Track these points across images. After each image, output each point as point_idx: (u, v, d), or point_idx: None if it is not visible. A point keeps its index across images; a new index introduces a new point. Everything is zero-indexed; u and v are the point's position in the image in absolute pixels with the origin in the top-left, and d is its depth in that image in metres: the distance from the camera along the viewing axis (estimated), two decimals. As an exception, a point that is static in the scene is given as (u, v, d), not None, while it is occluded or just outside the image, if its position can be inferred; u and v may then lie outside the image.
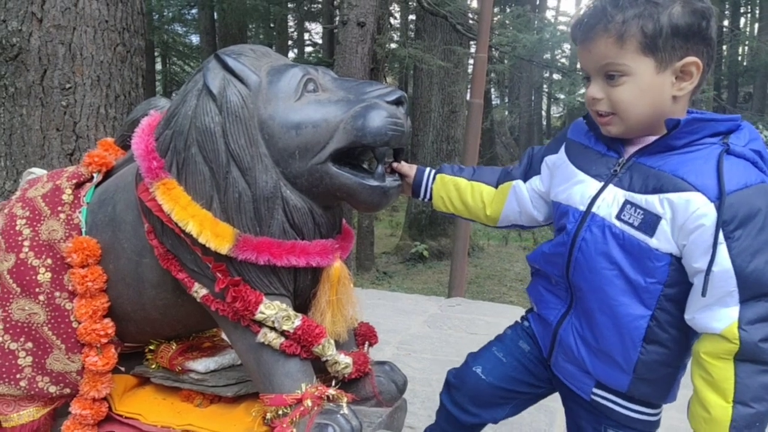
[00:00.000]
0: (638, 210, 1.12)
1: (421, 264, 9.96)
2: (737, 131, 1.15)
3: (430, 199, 1.55)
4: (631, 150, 1.20)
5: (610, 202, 1.16)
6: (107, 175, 1.61)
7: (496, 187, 1.48)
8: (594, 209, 1.18)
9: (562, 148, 1.34)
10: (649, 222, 1.10)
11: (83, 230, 1.50)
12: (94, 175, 1.59)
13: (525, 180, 1.44)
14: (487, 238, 11.62)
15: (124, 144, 1.60)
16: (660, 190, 1.10)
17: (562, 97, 12.87)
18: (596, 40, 1.12)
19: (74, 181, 1.57)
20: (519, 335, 1.53)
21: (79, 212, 1.52)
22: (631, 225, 1.13)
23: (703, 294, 1.05)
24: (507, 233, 11.65)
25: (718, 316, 1.06)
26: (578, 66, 1.25)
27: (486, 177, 1.50)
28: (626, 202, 1.14)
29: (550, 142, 1.41)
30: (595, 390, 1.27)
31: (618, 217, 1.14)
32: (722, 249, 1.04)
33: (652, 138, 1.17)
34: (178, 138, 1.35)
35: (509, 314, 3.55)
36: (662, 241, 1.10)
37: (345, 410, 1.32)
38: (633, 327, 1.15)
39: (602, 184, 1.18)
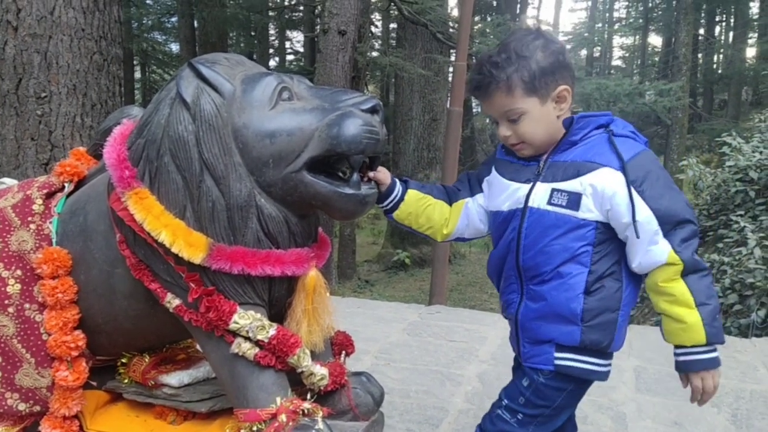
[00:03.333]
0: (563, 193, 1.41)
1: (402, 272, 9.96)
2: (613, 122, 1.46)
3: (392, 210, 1.61)
4: (545, 154, 1.48)
5: (541, 194, 1.43)
6: (79, 184, 1.59)
7: (450, 205, 1.63)
8: (530, 204, 1.44)
9: (493, 168, 1.58)
10: (574, 200, 1.39)
11: (54, 241, 1.48)
12: (66, 184, 1.57)
13: (471, 197, 1.63)
14: (469, 246, 11.66)
15: (97, 153, 1.58)
16: (578, 175, 1.40)
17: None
18: (492, 96, 1.44)
19: (45, 191, 1.54)
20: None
21: (50, 222, 1.49)
22: (560, 206, 1.41)
23: (638, 236, 1.35)
24: (488, 240, 11.71)
25: (656, 251, 1.35)
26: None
27: (441, 196, 1.64)
28: (553, 190, 1.42)
29: (482, 166, 1.65)
30: (556, 355, 1.44)
31: (549, 203, 1.42)
32: (638, 201, 1.35)
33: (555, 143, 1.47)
34: (150, 147, 1.33)
35: (489, 321, 3.55)
36: (586, 212, 1.39)
37: (320, 425, 1.31)
38: (574, 282, 1.40)
39: (531, 184, 1.46)
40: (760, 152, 5.72)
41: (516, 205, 1.47)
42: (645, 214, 1.34)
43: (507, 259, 1.51)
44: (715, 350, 1.38)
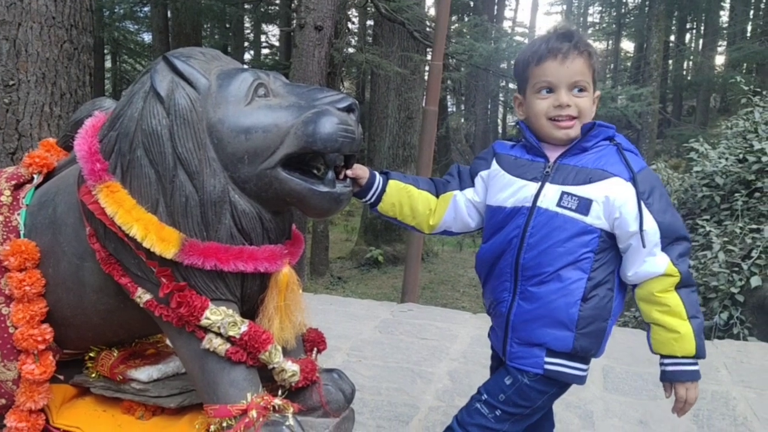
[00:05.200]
0: (573, 197, 1.43)
1: (375, 269, 9.97)
2: (616, 136, 1.52)
3: (375, 203, 1.59)
4: (555, 155, 1.50)
5: (551, 195, 1.45)
6: (48, 176, 1.56)
7: (437, 197, 1.62)
8: (539, 203, 1.45)
9: (494, 162, 1.58)
10: (584, 205, 1.42)
11: (22, 233, 1.45)
12: (35, 176, 1.54)
13: (461, 191, 1.62)
14: (442, 244, 11.72)
15: (67, 145, 1.55)
16: (590, 181, 1.43)
17: (516, 106, 13.09)
18: (575, 59, 1.45)
19: (13, 183, 1.51)
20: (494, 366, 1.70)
21: (18, 214, 1.47)
22: (569, 209, 1.43)
23: (644, 245, 1.39)
24: (462, 239, 11.78)
25: (654, 262, 1.41)
26: (540, 78, 1.49)
27: (427, 187, 1.63)
28: (563, 192, 1.44)
29: (476, 160, 1.64)
30: (547, 359, 1.46)
31: (558, 205, 1.44)
32: (646, 212, 1.40)
33: (564, 147, 1.50)
34: (123, 140, 1.32)
35: (460, 320, 3.58)
36: (594, 218, 1.42)
37: (290, 421, 1.31)
38: (574, 288, 1.43)
39: (540, 184, 1.47)
40: (726, 158, 5.87)
41: (522, 203, 1.48)
42: (651, 225, 1.40)
43: (504, 256, 1.51)
44: (698, 363, 1.44)
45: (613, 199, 1.41)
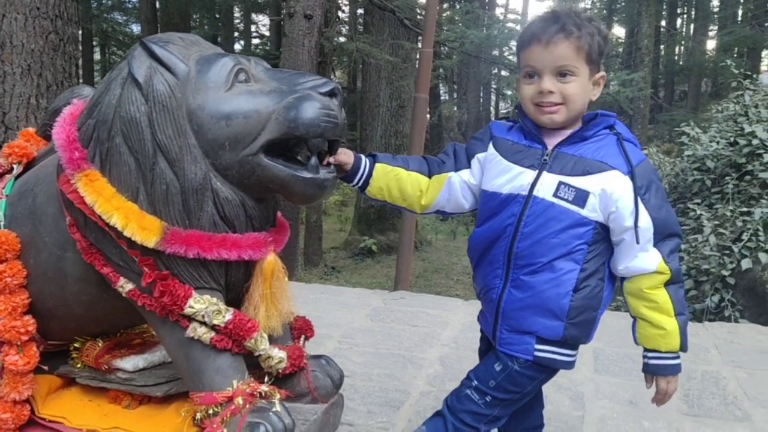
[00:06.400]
0: (570, 188, 1.40)
1: (369, 258, 9.97)
2: (616, 124, 1.48)
3: (363, 187, 1.57)
4: (553, 142, 1.46)
5: (548, 185, 1.42)
6: (28, 166, 1.54)
7: (429, 177, 1.59)
8: (535, 192, 1.42)
9: (491, 146, 1.54)
10: (581, 196, 1.39)
11: (2, 224, 1.44)
12: (14, 166, 1.53)
13: (456, 171, 1.58)
14: (435, 233, 11.73)
15: (46, 134, 1.53)
16: (588, 172, 1.40)
17: (509, 93, 13.08)
18: (558, 44, 1.40)
19: (-8, 173, 1.50)
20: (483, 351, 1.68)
21: (-2, 205, 1.45)
22: (565, 200, 1.40)
23: (638, 242, 1.38)
24: (455, 227, 11.78)
25: (647, 258, 1.40)
26: (526, 63, 1.47)
27: (418, 167, 1.59)
28: (560, 183, 1.41)
29: (473, 141, 1.60)
30: (537, 347, 1.46)
31: (555, 195, 1.41)
32: (642, 208, 1.38)
33: (568, 132, 1.46)
34: (101, 128, 1.30)
35: (452, 307, 3.58)
36: (590, 210, 1.40)
37: (278, 407, 1.31)
38: (566, 279, 1.42)
39: (536, 172, 1.44)
40: (717, 142, 5.87)
41: (518, 191, 1.45)
42: (646, 222, 1.38)
43: (498, 243, 1.49)
44: (680, 357, 1.45)
45: (610, 193, 1.39)
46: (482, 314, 1.61)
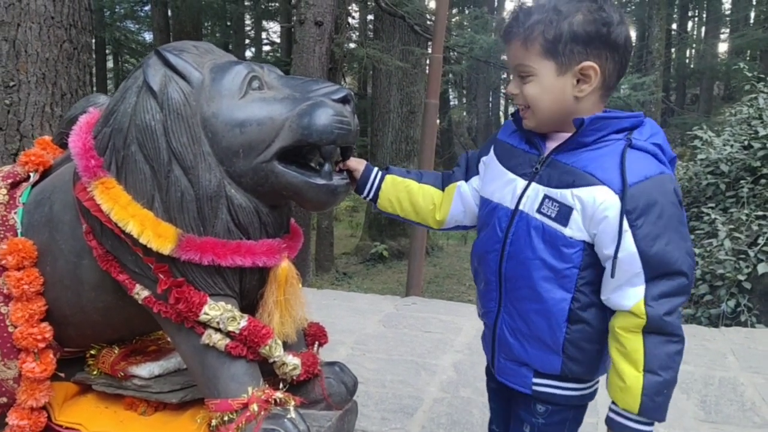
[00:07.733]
0: (554, 203, 1.22)
1: (381, 264, 9.96)
2: (640, 127, 1.26)
3: (374, 198, 1.52)
4: (550, 147, 1.30)
5: (533, 198, 1.26)
6: (44, 174, 1.56)
7: (443, 190, 1.50)
8: (521, 206, 1.28)
9: (492, 149, 1.42)
10: (564, 213, 1.21)
11: (19, 231, 1.45)
12: (31, 174, 1.54)
13: (466, 181, 1.48)
14: (446, 238, 11.70)
15: (62, 142, 1.55)
16: (572, 185, 1.21)
17: (518, 98, 13.03)
18: (511, 42, 1.26)
19: (9, 181, 1.51)
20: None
21: (15, 213, 1.46)
22: (548, 217, 1.23)
23: (612, 275, 1.16)
24: (467, 233, 11.77)
25: (628, 294, 1.17)
26: None
27: (432, 180, 1.52)
28: (545, 196, 1.24)
29: (484, 145, 1.48)
30: (534, 380, 1.33)
31: (538, 211, 1.25)
32: (627, 236, 1.15)
33: (565, 136, 1.27)
34: (117, 136, 1.31)
35: (464, 312, 3.57)
36: (575, 230, 1.21)
37: (292, 414, 1.31)
38: (557, 309, 1.25)
39: (527, 182, 1.28)
40: (731, 146, 5.83)
41: (505, 202, 1.31)
42: (628, 252, 1.16)
43: (488, 260, 1.34)
44: (650, 424, 1.21)
45: (592, 212, 1.18)
46: (483, 338, 1.49)
